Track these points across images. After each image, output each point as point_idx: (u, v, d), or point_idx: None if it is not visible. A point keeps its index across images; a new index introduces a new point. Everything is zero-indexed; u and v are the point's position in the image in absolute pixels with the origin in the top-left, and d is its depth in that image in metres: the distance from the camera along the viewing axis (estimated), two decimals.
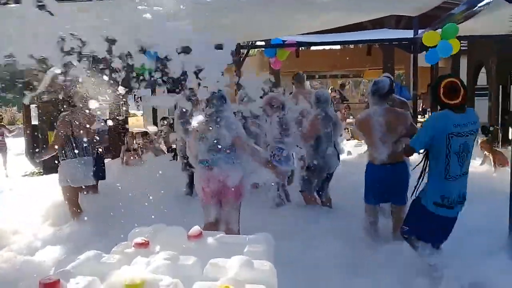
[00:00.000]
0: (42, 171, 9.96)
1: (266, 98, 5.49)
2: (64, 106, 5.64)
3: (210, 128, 4.06)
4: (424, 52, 7.61)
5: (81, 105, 5.43)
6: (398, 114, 4.32)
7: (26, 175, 10.32)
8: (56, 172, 8.12)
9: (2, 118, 10.50)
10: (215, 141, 4.04)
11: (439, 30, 6.81)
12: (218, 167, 4.05)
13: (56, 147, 5.30)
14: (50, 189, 6.89)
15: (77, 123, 5.34)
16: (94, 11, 4.19)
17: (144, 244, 1.92)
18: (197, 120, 4.24)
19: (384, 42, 11.51)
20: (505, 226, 4.02)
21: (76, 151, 5.29)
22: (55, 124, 5.59)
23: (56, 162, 5.68)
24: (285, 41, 9.09)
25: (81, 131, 5.35)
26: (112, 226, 5.01)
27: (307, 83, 22.79)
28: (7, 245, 4.81)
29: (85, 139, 5.37)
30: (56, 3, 2.75)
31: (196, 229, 2.06)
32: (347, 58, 17.30)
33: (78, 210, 5.43)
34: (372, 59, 16.78)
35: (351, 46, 18.71)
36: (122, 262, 1.78)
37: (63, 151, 5.32)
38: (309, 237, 4.50)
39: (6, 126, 11.58)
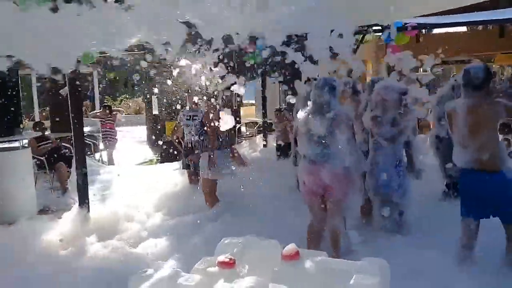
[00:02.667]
0: (159, 159, 10.41)
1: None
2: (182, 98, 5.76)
3: (316, 120, 3.70)
4: None
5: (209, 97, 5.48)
6: (490, 110, 3.36)
7: (145, 162, 10.83)
8: (172, 161, 8.36)
9: (110, 106, 10.96)
10: (321, 135, 3.69)
11: None
12: (323, 163, 3.71)
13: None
14: (165, 178, 7.10)
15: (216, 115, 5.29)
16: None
17: (229, 264, 1.63)
18: (302, 112, 3.91)
19: None
20: None
21: (220, 143, 5.33)
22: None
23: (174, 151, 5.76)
24: (406, 23, 8.28)
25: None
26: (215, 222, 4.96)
27: (428, 70, 21.16)
28: (121, 232, 4.97)
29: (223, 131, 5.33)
30: None
31: (291, 248, 1.72)
32: (475, 42, 15.59)
33: (216, 199, 5.45)
34: (506, 42, 14.92)
35: (480, 27, 16.86)
36: (201, 285, 1.51)
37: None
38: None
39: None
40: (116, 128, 10.34)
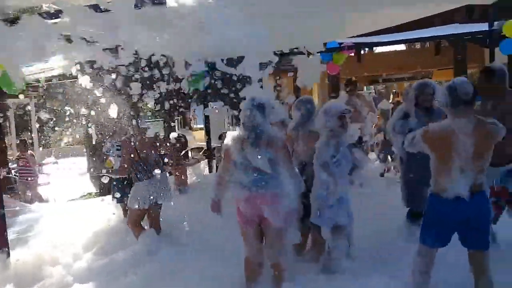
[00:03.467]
0: (98, 192, 9.88)
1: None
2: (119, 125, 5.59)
3: (250, 145, 3.48)
4: None
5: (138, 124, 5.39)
6: (490, 129, 3.04)
7: (83, 196, 10.25)
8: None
9: (25, 141, 9.75)
10: (256, 161, 3.46)
11: None
12: (260, 190, 3.48)
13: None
14: (100, 213, 6.62)
15: (142, 144, 5.16)
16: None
17: None
18: (232, 135, 3.67)
19: (455, 37, 10.35)
20: None
21: (146, 173, 5.08)
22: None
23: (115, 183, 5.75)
24: (341, 43, 8.34)
25: (147, 151, 5.17)
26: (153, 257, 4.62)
27: (371, 87, 21.68)
28: (44, 278, 4.51)
29: (151, 159, 5.19)
30: None
31: None
32: (413, 59, 16.12)
33: (141, 229, 5.20)
34: (441, 59, 15.47)
35: (418, 46, 17.52)
36: None
37: (135, 174, 5.12)
38: None
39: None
40: (56, 159, 9.62)
